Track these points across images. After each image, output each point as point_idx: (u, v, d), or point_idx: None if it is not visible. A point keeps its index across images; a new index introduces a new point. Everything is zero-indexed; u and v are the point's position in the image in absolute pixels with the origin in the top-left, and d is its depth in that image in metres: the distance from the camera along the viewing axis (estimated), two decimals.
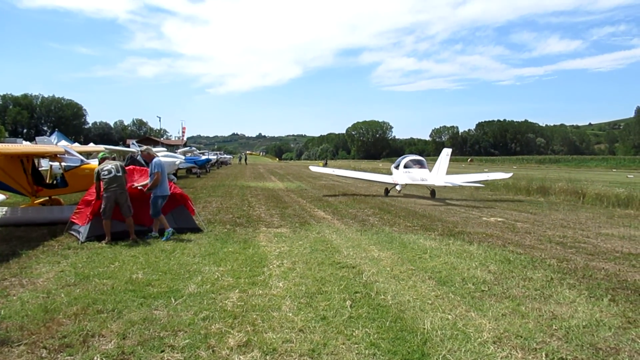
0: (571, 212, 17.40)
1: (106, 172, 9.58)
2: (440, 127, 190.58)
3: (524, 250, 9.78)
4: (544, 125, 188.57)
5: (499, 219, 14.69)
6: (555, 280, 7.35)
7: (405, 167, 22.61)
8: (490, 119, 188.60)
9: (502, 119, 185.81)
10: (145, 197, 10.21)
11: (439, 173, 20.68)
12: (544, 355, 4.60)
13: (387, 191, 23.18)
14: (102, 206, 9.44)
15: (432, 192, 22.71)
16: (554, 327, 5.35)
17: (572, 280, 7.43)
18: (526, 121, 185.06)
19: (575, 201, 21.06)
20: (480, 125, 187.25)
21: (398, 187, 22.32)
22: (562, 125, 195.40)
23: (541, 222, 14.35)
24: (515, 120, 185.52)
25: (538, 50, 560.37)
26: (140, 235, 10.03)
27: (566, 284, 7.18)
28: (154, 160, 10.40)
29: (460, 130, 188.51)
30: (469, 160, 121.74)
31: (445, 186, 20.73)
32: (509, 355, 4.60)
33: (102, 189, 9.54)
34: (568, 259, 9.06)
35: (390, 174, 24.13)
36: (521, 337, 5.02)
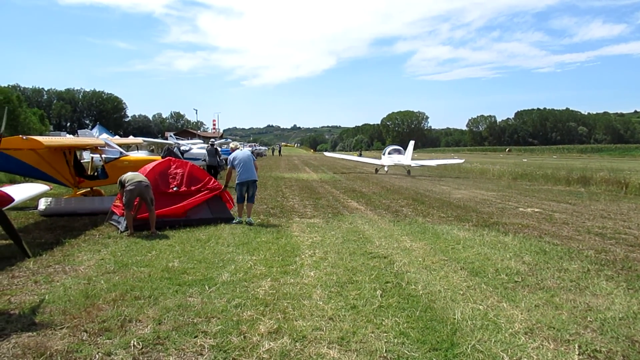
0: (612, 202, 16.86)
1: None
2: (478, 116, 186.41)
3: (560, 241, 9.57)
4: (586, 113, 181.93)
5: (536, 210, 14.37)
6: (592, 272, 7.18)
7: (389, 153, 32.36)
8: (530, 108, 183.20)
9: (542, 108, 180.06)
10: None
11: (407, 157, 30.91)
12: (577, 347, 4.52)
13: (376, 170, 32.55)
14: (125, 198, 9.50)
15: (408, 172, 30.61)
16: (588, 318, 5.25)
17: (610, 271, 7.24)
18: (567, 109, 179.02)
19: (617, 191, 20.39)
20: (519, 114, 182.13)
21: (386, 168, 31.27)
22: (605, 113, 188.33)
23: (580, 212, 13.98)
24: (555, 108, 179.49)
25: (579, 35, 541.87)
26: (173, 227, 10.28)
27: (603, 275, 7.01)
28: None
29: (498, 119, 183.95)
30: (507, 150, 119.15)
31: (410, 165, 30.52)
32: (541, 346, 4.54)
33: (125, 184, 9.61)
34: (607, 250, 8.82)
35: (380, 159, 33.56)
36: (554, 328, 4.95)
